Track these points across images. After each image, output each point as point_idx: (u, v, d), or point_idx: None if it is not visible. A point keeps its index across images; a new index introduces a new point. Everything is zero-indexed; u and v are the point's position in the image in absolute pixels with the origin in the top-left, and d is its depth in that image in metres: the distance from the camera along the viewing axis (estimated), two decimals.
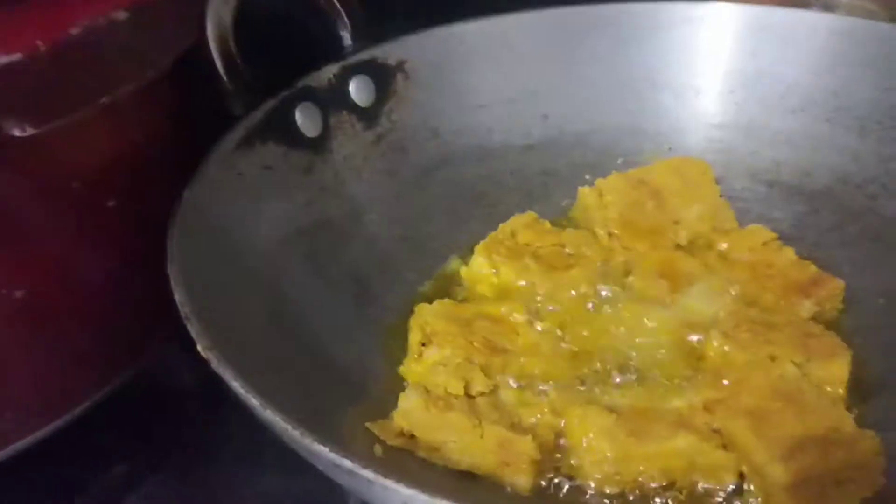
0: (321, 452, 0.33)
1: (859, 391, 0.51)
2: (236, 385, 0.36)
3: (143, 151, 0.51)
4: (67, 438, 0.53)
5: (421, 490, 0.30)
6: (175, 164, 0.52)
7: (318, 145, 0.62)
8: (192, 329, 0.40)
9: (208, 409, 0.62)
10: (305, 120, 0.61)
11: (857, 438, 0.44)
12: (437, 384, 0.49)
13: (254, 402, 0.36)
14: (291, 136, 0.60)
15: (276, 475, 0.56)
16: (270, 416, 0.35)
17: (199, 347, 0.39)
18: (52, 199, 0.47)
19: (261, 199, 0.56)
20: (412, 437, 0.47)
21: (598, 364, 0.53)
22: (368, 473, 0.31)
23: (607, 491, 0.45)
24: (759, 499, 0.44)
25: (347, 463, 0.32)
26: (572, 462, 0.47)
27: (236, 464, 0.57)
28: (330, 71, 0.63)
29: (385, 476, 0.31)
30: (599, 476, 0.45)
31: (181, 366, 0.64)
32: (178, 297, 0.41)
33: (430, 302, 0.57)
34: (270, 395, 0.37)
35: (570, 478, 0.47)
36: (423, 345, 0.53)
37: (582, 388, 0.50)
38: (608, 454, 0.45)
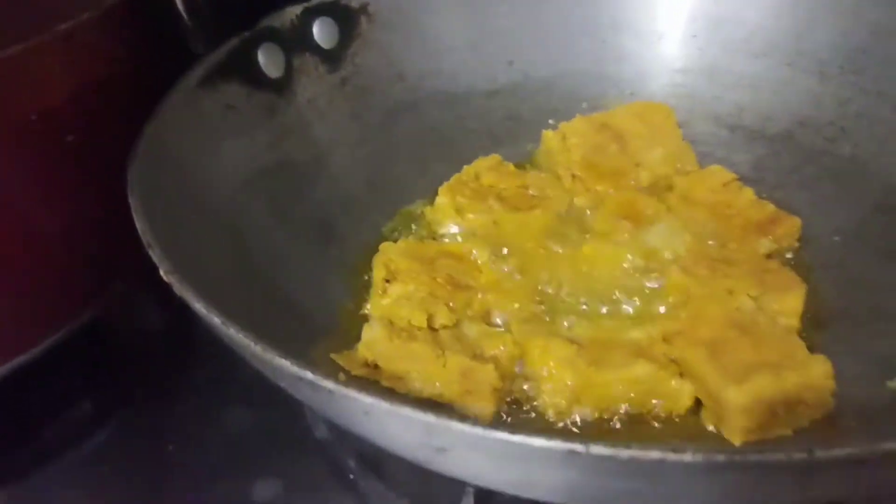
0: (283, 366, 0.33)
1: (813, 323, 0.52)
2: (199, 306, 0.36)
3: (103, 86, 0.51)
4: (36, 376, 0.53)
5: (381, 398, 0.30)
6: (136, 102, 0.52)
7: (281, 87, 0.62)
8: (154, 254, 0.39)
9: (174, 349, 0.62)
10: (268, 61, 0.61)
11: (809, 363, 0.45)
12: (400, 317, 0.50)
13: (216, 320, 0.36)
14: (254, 77, 0.60)
15: (242, 410, 0.56)
16: (233, 333, 0.35)
17: (161, 272, 0.39)
18: (10, 131, 0.46)
19: (223, 139, 0.56)
20: (376, 367, 0.48)
21: (560, 300, 0.53)
22: (329, 384, 0.32)
23: (567, 418, 0.46)
24: (713, 423, 0.46)
25: (309, 375, 0.32)
26: (533, 391, 0.48)
27: (202, 399, 0.58)
28: (292, 12, 0.62)
29: (346, 386, 0.31)
30: (559, 404, 0.46)
31: (147, 307, 0.64)
32: (140, 224, 0.41)
33: (395, 242, 0.57)
34: (230, 315, 0.37)
35: (532, 406, 0.47)
36: (388, 282, 0.53)
37: (543, 322, 0.51)
38: (568, 382, 0.46)
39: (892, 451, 0.28)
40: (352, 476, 0.52)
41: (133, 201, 0.43)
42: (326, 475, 0.53)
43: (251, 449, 0.55)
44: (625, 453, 0.28)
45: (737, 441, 0.44)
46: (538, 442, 0.29)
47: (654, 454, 0.28)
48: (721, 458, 0.28)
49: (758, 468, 0.28)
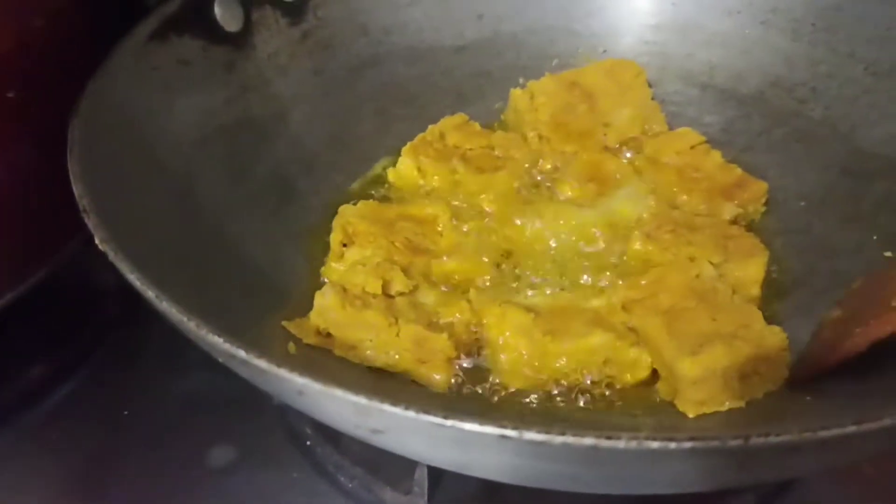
0: (216, 343, 0.32)
1: (776, 290, 0.51)
2: (132, 277, 0.35)
3: (46, 40, 0.49)
4: None
5: (313, 379, 0.30)
6: (84, 56, 0.50)
7: (239, 41, 0.59)
8: (89, 222, 0.38)
9: (129, 312, 0.61)
10: (225, 13, 0.58)
11: (764, 334, 0.45)
12: (355, 283, 0.49)
13: (149, 293, 0.35)
14: (210, 30, 0.57)
15: (200, 374, 0.56)
16: (166, 307, 0.34)
17: (96, 240, 0.37)
18: None
19: (176, 96, 0.54)
20: (329, 335, 0.47)
21: (521, 266, 0.53)
22: (262, 363, 0.31)
23: (523, 388, 0.46)
24: (669, 395, 0.45)
25: (241, 353, 0.31)
26: (489, 359, 0.47)
27: (158, 364, 0.57)
28: None
29: (278, 366, 0.30)
30: (514, 373, 0.46)
31: (102, 267, 0.63)
32: (77, 190, 0.40)
33: (357, 203, 0.56)
34: (172, 289, 0.36)
35: (487, 375, 0.47)
36: (345, 245, 0.52)
37: (502, 289, 0.50)
38: (523, 352, 0.46)
39: (827, 438, 0.27)
40: (308, 443, 0.52)
41: (71, 163, 0.41)
42: (283, 441, 0.53)
43: (208, 413, 0.54)
44: (558, 439, 0.27)
45: (690, 413, 0.43)
46: (470, 426, 0.28)
47: (588, 440, 0.27)
48: (655, 445, 0.27)
49: (693, 454, 0.28)
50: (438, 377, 0.45)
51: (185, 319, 0.33)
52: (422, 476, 0.46)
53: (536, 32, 0.68)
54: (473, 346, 0.48)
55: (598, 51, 0.67)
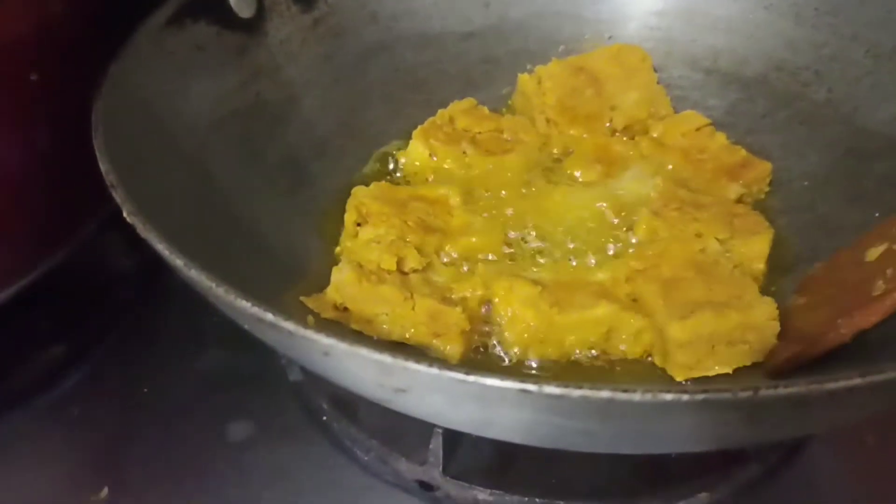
0: (245, 308, 0.33)
1: (779, 266, 0.53)
2: (161, 247, 0.36)
3: (67, 23, 0.50)
4: (7, 318, 0.53)
5: (340, 339, 0.31)
6: (103, 41, 0.51)
7: (252, 27, 0.60)
8: (118, 195, 0.39)
9: (147, 292, 0.62)
10: (239, 0, 0.59)
11: (755, 304, 0.46)
12: (370, 260, 0.50)
13: (178, 261, 0.36)
14: (224, 16, 0.59)
15: (215, 352, 0.57)
16: (195, 275, 0.35)
17: (124, 213, 0.39)
18: None
19: (191, 80, 0.55)
20: (345, 310, 0.48)
21: (530, 244, 0.54)
22: (289, 326, 0.32)
23: (531, 359, 0.47)
24: (660, 362, 0.47)
25: (270, 317, 0.33)
26: (498, 333, 0.48)
27: (175, 344, 0.58)
28: None
29: (305, 328, 0.32)
30: (523, 344, 0.47)
31: (119, 249, 0.64)
32: (103, 165, 0.41)
33: (368, 186, 0.57)
34: (197, 257, 0.37)
35: (498, 347, 0.48)
36: (359, 225, 0.54)
37: (510, 264, 0.52)
38: (531, 323, 0.47)
39: (835, 390, 0.28)
40: (324, 418, 0.53)
41: (97, 141, 0.42)
42: (300, 417, 0.54)
43: (225, 391, 0.55)
44: (576, 393, 0.29)
45: (679, 377, 0.45)
46: (492, 381, 0.29)
47: (604, 394, 0.28)
48: (668, 397, 0.28)
49: (705, 406, 0.29)
50: (452, 350, 0.46)
51: (213, 286, 0.34)
52: (437, 446, 0.47)
53: (543, 18, 0.69)
54: (485, 319, 0.49)
55: (604, 36, 0.68)
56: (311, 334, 0.31)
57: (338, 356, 0.32)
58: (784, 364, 0.44)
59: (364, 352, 0.30)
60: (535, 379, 0.29)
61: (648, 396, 0.28)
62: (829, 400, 0.29)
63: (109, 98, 0.46)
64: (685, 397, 0.28)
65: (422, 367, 0.30)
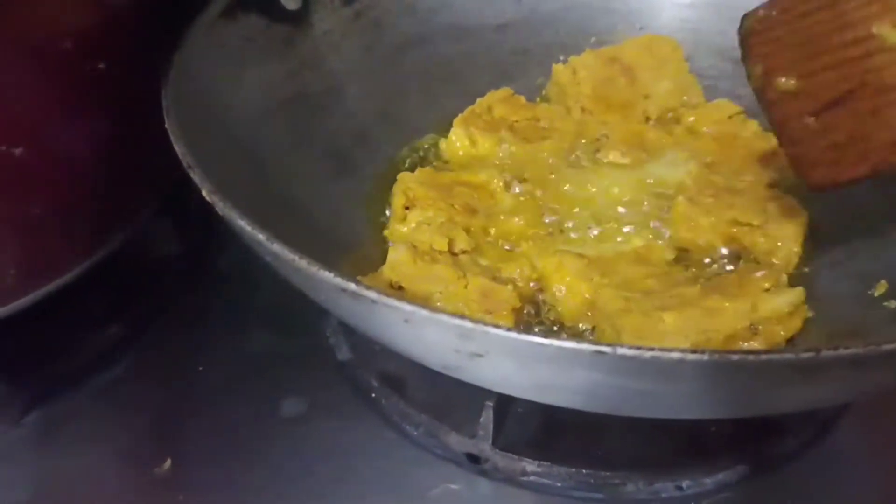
0: (327, 279, 0.35)
1: (812, 248, 0.54)
2: (243, 223, 0.38)
3: (131, 17, 0.52)
4: (63, 302, 0.55)
5: (420, 307, 0.33)
6: (162, 33, 0.53)
7: (298, 19, 0.63)
8: (196, 175, 0.41)
9: (194, 279, 0.64)
10: None
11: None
12: (422, 241, 0.52)
13: (260, 236, 0.38)
14: (272, 9, 0.61)
15: (263, 334, 0.59)
16: (279, 249, 0.37)
17: (203, 192, 0.40)
18: (45, 59, 0.47)
19: (243, 69, 0.58)
20: (400, 288, 0.50)
21: (571, 222, 0.56)
22: (372, 294, 0.34)
23: (581, 327, 0.49)
24: None
25: (352, 287, 0.35)
26: (550, 307, 0.51)
27: (222, 326, 0.60)
28: None
29: (387, 296, 0.34)
30: (575, 315, 0.49)
31: (168, 238, 0.66)
32: (179, 148, 0.43)
33: (406, 172, 0.59)
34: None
35: (549, 322, 0.50)
36: (407, 209, 0.56)
37: (552, 242, 0.54)
38: (586, 295, 0.49)
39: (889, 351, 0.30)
40: (374, 395, 0.55)
41: (170, 125, 0.45)
42: (349, 394, 0.55)
43: (274, 370, 0.57)
44: (647, 354, 0.31)
45: None
46: (569, 344, 0.31)
47: (675, 354, 0.30)
48: (734, 357, 0.30)
49: (767, 367, 0.31)
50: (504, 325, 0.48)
51: (296, 259, 0.36)
52: (487, 419, 0.49)
53: (574, 10, 0.71)
54: (534, 297, 0.51)
55: (636, 27, 0.70)
56: (393, 302, 0.33)
57: (419, 323, 0.34)
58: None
59: (445, 318, 0.32)
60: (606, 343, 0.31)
61: (716, 357, 0.30)
62: (884, 362, 0.31)
63: (176, 86, 0.48)
64: (751, 358, 0.30)
65: (502, 332, 0.32)
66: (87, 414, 0.55)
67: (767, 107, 0.39)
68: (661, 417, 0.39)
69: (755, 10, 0.38)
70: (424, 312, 0.33)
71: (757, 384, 0.33)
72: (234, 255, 0.65)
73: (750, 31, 0.39)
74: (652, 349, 0.31)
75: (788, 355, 0.30)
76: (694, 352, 0.30)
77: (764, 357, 0.30)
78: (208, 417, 0.55)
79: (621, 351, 0.31)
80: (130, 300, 0.62)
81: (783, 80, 0.39)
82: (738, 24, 0.67)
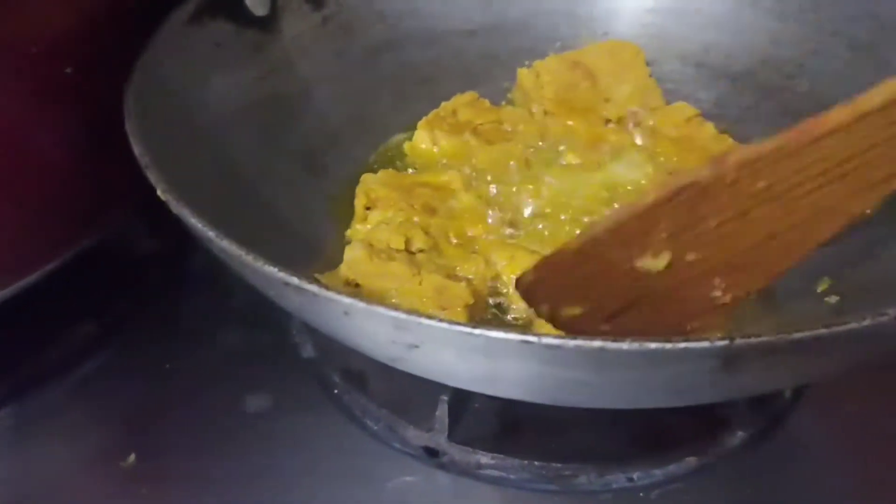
0: (271, 274, 0.37)
1: None
2: (193, 221, 0.40)
3: (100, 22, 0.53)
4: (34, 300, 0.56)
5: (359, 299, 0.34)
6: (128, 38, 0.55)
7: (267, 25, 0.64)
8: (151, 175, 0.43)
9: (169, 276, 0.66)
10: None
11: None
12: (380, 240, 0.53)
13: (210, 233, 0.39)
14: (241, 15, 0.62)
15: (233, 332, 0.60)
16: (226, 245, 0.38)
17: (158, 191, 0.42)
18: (14, 64, 0.49)
19: (212, 74, 0.59)
20: (357, 285, 0.51)
21: (529, 226, 0.57)
22: (313, 288, 0.35)
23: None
24: None
25: (294, 280, 0.36)
26: (505, 304, 0.52)
27: (196, 323, 0.61)
28: None
29: (327, 289, 0.35)
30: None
31: (142, 234, 0.68)
32: (137, 149, 0.44)
33: (377, 172, 0.61)
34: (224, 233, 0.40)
35: (509, 316, 0.52)
36: (368, 209, 0.57)
37: (511, 242, 0.55)
38: None
39: (800, 339, 0.32)
40: (336, 391, 0.56)
41: (129, 126, 0.46)
42: (313, 390, 0.57)
43: (243, 367, 0.58)
44: (571, 343, 0.32)
45: None
46: (496, 334, 0.32)
47: (596, 343, 0.32)
48: (652, 346, 0.32)
49: (685, 355, 0.32)
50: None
51: (243, 254, 0.38)
52: (443, 413, 0.51)
53: (540, 17, 0.73)
54: (489, 294, 0.53)
55: (599, 33, 0.72)
56: (333, 295, 0.35)
57: (357, 315, 0.35)
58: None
59: (381, 309, 0.34)
60: (535, 333, 0.33)
61: (635, 346, 0.32)
62: (796, 349, 0.33)
63: (139, 87, 0.50)
64: (668, 346, 0.32)
65: (433, 322, 0.33)
66: (58, 411, 0.56)
67: (561, 326, 0.43)
68: (600, 407, 0.41)
69: (525, 274, 0.43)
70: (361, 304, 0.34)
71: (680, 372, 0.34)
72: (208, 256, 0.66)
73: (526, 289, 0.44)
74: (575, 338, 0.32)
75: (704, 343, 0.32)
76: (615, 340, 0.32)
77: (681, 345, 0.32)
78: (176, 413, 0.56)
79: (546, 340, 0.32)
80: (106, 298, 0.63)
81: (568, 309, 0.43)
82: (700, 29, 0.70)
